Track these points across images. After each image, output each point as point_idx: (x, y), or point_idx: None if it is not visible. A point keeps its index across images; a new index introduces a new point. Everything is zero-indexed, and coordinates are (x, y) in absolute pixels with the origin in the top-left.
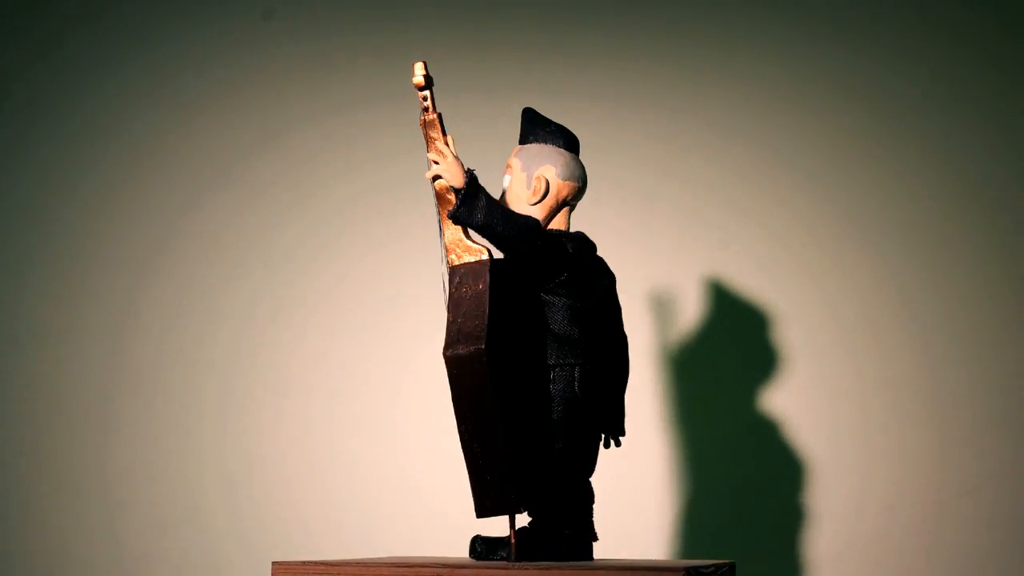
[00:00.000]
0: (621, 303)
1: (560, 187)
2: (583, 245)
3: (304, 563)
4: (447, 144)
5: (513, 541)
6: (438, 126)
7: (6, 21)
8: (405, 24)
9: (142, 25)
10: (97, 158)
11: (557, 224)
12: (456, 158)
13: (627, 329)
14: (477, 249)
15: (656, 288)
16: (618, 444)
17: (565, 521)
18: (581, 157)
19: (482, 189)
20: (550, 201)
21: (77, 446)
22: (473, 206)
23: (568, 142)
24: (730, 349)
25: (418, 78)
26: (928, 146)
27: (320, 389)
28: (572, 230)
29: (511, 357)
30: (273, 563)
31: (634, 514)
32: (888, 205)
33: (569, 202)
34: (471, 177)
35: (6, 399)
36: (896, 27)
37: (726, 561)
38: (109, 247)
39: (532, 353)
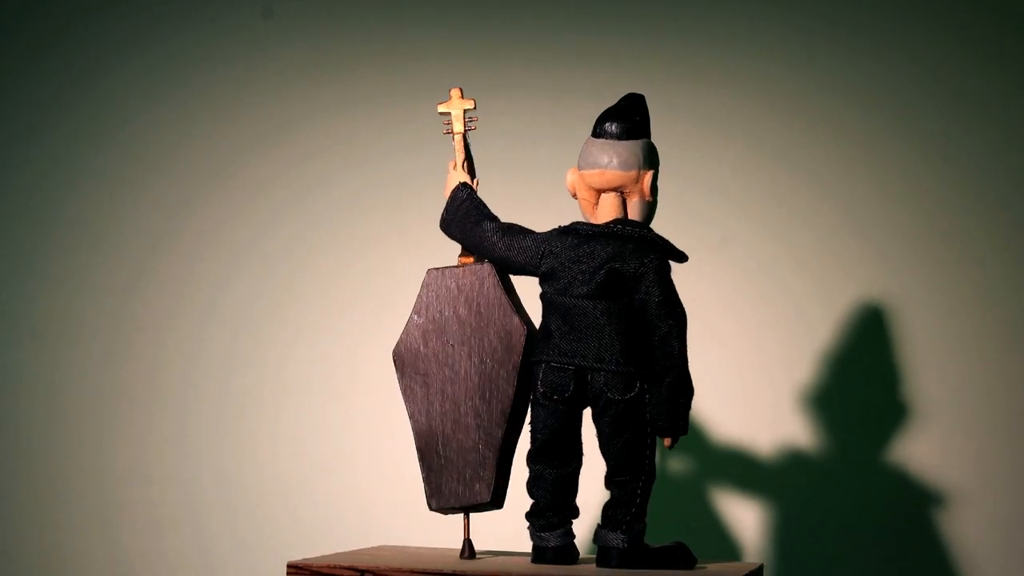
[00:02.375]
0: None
1: (582, 178)
2: (563, 240)
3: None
4: (457, 162)
5: (464, 536)
6: (457, 146)
7: (3, 18)
8: (405, 22)
9: (141, 23)
10: (96, 155)
11: (604, 213)
12: (463, 171)
13: None
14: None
15: None
16: (670, 445)
17: (534, 519)
18: None
19: (464, 200)
20: (582, 194)
21: (73, 445)
22: (447, 215)
23: (600, 129)
24: (728, 346)
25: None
26: (929, 145)
27: (319, 387)
28: (635, 218)
29: (445, 360)
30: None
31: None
32: (889, 204)
33: (609, 189)
34: (456, 189)
35: (1, 397)
36: (896, 26)
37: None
38: (107, 244)
39: (500, 354)
